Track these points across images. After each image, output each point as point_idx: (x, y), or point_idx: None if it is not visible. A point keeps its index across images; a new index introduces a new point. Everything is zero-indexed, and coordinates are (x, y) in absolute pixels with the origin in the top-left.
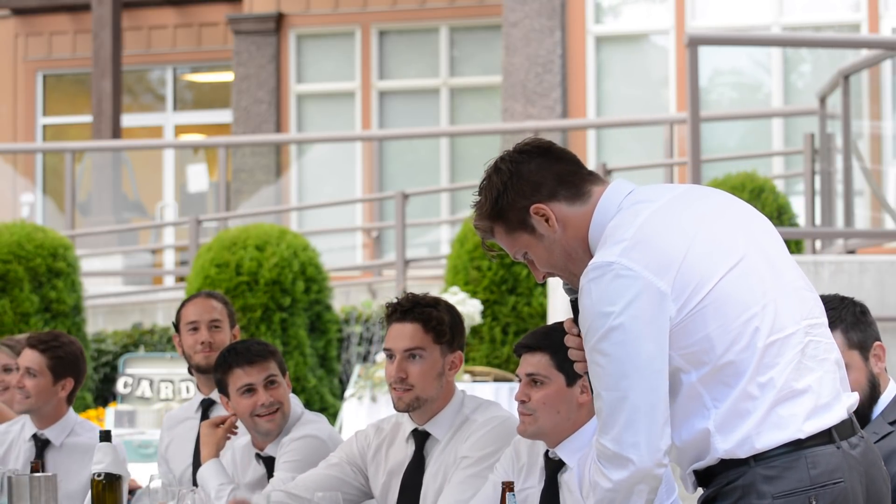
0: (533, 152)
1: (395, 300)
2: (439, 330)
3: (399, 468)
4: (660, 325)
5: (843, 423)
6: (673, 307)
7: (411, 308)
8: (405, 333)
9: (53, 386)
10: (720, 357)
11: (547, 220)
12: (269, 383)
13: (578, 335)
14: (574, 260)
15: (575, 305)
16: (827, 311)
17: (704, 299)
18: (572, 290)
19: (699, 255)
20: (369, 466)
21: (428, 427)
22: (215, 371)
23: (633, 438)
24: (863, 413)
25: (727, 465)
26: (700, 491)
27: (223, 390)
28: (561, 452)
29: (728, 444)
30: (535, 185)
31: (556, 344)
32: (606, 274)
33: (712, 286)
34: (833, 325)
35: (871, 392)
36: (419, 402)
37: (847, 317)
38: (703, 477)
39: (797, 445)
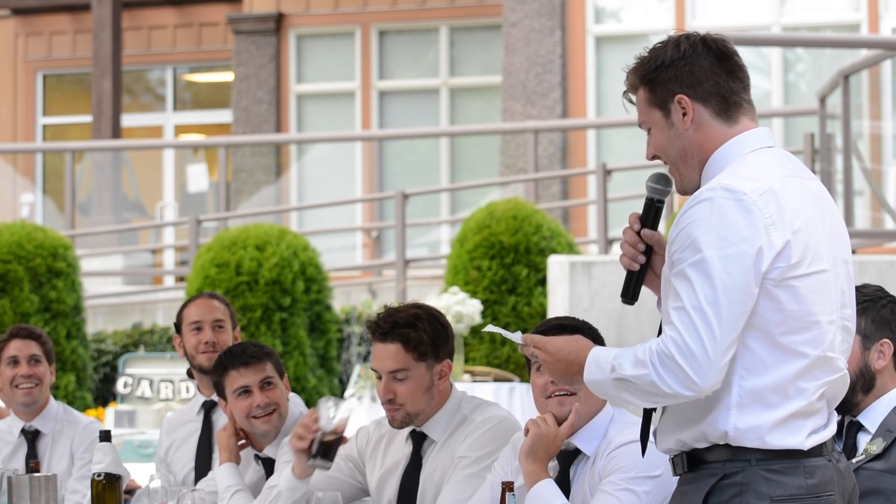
0: (714, 52)
1: (375, 317)
2: (421, 350)
3: (396, 467)
4: (758, 269)
5: (831, 438)
6: (774, 264)
7: (391, 329)
8: (388, 355)
9: (50, 373)
10: (779, 335)
11: (684, 115)
12: (265, 385)
13: (638, 233)
14: (686, 163)
15: (650, 206)
16: (861, 294)
17: (802, 277)
18: (657, 189)
19: (811, 238)
20: (367, 462)
21: (424, 429)
22: (212, 374)
23: (705, 365)
24: (846, 398)
25: (727, 455)
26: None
27: (221, 393)
28: (577, 441)
29: (742, 424)
30: (696, 79)
31: (577, 332)
32: (740, 201)
33: (813, 270)
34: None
35: (860, 381)
36: (410, 417)
37: (868, 305)
38: (694, 460)
39: (797, 454)
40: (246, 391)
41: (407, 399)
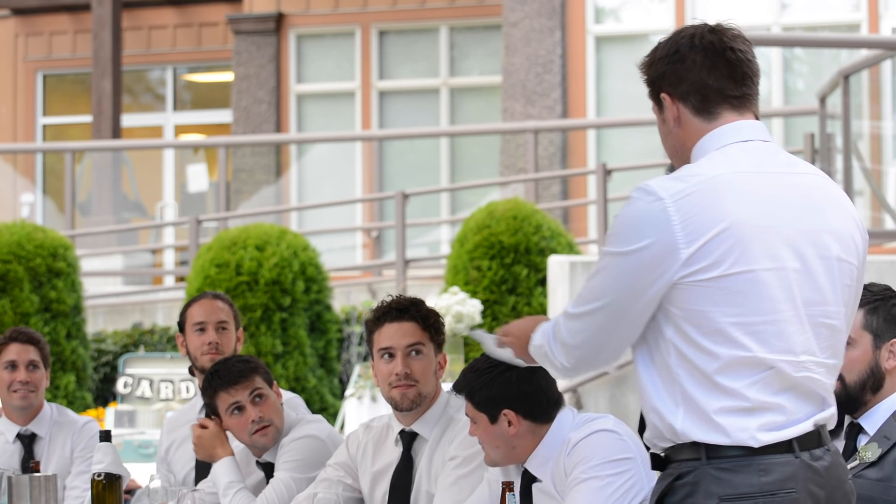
0: (698, 48)
1: (385, 302)
2: (436, 328)
3: (387, 469)
4: (658, 276)
5: (806, 434)
6: (683, 271)
7: (407, 308)
8: (405, 331)
9: (46, 376)
10: (699, 336)
11: (670, 113)
12: (256, 398)
13: None
14: (678, 159)
15: None
16: (870, 293)
17: (719, 279)
18: None
19: (742, 237)
20: (359, 467)
21: (415, 427)
22: (203, 395)
23: (573, 353)
24: (855, 397)
25: (683, 455)
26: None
27: (215, 412)
28: (530, 467)
29: (686, 420)
30: (678, 78)
31: (470, 386)
32: (651, 206)
33: (733, 272)
34: (862, 303)
35: (870, 380)
36: (421, 397)
37: (879, 304)
38: (661, 460)
39: (751, 451)
40: (238, 408)
41: (421, 376)
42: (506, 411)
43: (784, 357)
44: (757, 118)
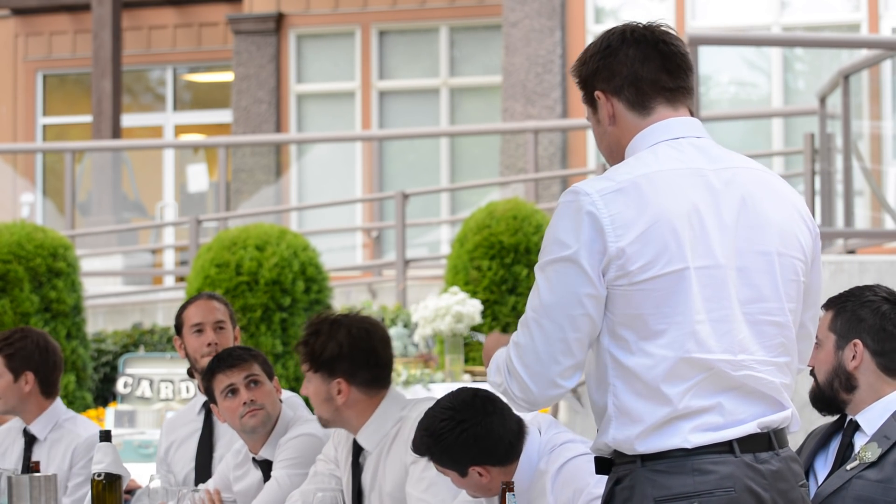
0: (630, 41)
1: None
2: (314, 361)
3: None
4: (593, 274)
5: (750, 436)
6: (615, 271)
7: (300, 340)
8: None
9: (15, 383)
10: (635, 341)
11: (604, 110)
12: (251, 383)
13: None
14: (614, 156)
15: None
16: (852, 294)
17: (653, 280)
18: None
19: (672, 236)
20: (340, 460)
21: (357, 438)
22: (203, 380)
23: (537, 372)
24: (829, 396)
25: (621, 457)
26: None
27: (212, 398)
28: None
29: (619, 434)
30: (611, 72)
31: (430, 452)
32: (581, 208)
33: (665, 272)
34: (834, 303)
35: (837, 380)
36: (324, 421)
37: (848, 305)
38: (603, 465)
39: (686, 452)
40: (233, 391)
41: (314, 402)
42: (472, 468)
43: (722, 357)
44: (692, 114)
